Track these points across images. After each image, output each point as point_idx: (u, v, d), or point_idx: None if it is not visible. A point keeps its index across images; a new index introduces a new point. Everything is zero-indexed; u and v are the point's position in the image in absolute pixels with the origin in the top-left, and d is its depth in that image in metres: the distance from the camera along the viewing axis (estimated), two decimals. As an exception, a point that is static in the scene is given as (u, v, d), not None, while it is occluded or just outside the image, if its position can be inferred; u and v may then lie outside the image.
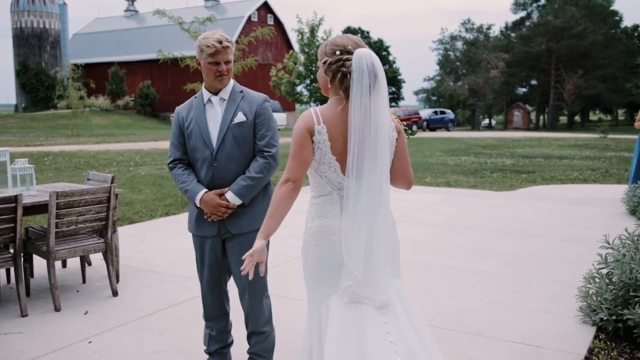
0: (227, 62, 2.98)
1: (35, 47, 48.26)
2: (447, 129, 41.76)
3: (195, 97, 3.15)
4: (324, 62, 2.36)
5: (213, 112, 3.05)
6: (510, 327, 4.04)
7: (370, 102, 2.24)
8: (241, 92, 3.10)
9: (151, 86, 46.62)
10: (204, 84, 3.11)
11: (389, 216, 2.44)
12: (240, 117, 2.99)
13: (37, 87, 47.71)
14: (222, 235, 3.06)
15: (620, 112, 68.00)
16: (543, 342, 3.80)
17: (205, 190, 2.97)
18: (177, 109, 3.15)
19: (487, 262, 5.71)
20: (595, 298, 4.15)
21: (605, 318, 3.91)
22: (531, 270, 5.43)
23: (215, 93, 3.05)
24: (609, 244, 4.42)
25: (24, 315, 4.32)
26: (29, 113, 43.69)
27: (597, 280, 4.32)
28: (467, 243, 6.52)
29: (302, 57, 27.86)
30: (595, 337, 3.88)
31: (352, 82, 2.23)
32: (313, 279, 2.47)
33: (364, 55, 2.24)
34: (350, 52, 2.29)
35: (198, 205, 2.97)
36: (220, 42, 2.93)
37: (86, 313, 4.41)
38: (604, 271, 4.37)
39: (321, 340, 2.39)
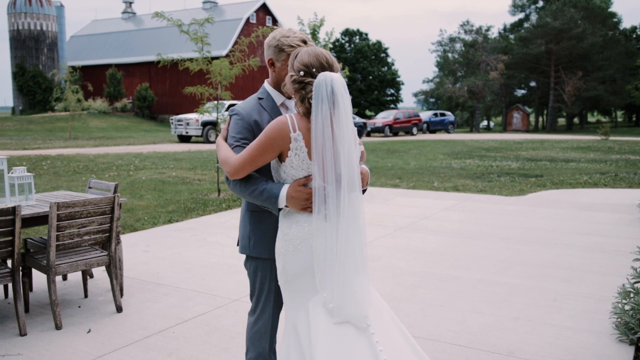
0: None
1: (32, 49, 47.95)
2: (448, 131, 41.55)
3: (260, 97, 2.73)
4: (291, 76, 2.40)
5: None
6: (543, 347, 3.78)
7: (332, 128, 2.29)
8: None
9: (149, 88, 46.33)
10: (268, 83, 2.75)
11: (361, 227, 2.44)
12: None
13: (34, 89, 47.40)
14: None
15: (619, 113, 67.96)
16: (580, 364, 3.54)
17: (287, 184, 2.49)
18: (242, 109, 2.67)
19: (508, 274, 5.45)
20: (632, 315, 3.90)
21: (645, 338, 3.66)
22: (556, 282, 5.17)
23: (288, 97, 2.74)
24: (643, 256, 4.18)
25: (22, 334, 4.05)
26: (26, 116, 43.37)
27: (632, 295, 4.07)
28: (484, 253, 6.26)
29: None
30: (635, 357, 3.63)
31: (312, 109, 2.30)
32: (292, 285, 2.46)
33: (323, 82, 2.28)
34: (313, 75, 2.32)
35: (285, 202, 2.45)
36: (305, 43, 2.63)
37: (89, 331, 4.14)
38: (639, 286, 4.13)
39: (301, 349, 2.35)
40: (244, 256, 2.87)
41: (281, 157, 2.43)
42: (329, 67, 2.36)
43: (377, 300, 2.46)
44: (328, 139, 2.29)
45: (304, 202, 2.44)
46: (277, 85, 2.71)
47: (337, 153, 2.30)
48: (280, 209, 2.52)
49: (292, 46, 2.60)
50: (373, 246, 6.56)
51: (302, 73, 2.35)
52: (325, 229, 2.33)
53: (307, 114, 2.37)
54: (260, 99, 2.72)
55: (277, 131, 2.37)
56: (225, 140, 2.66)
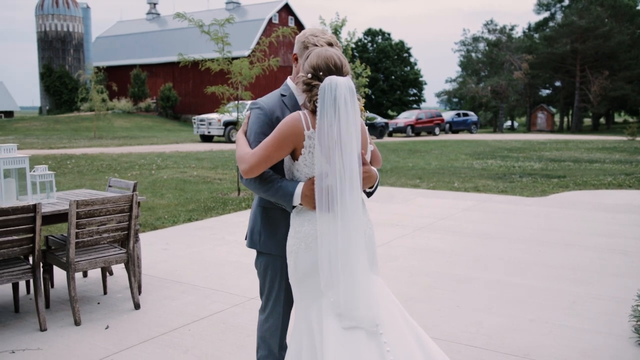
0: None
1: (59, 50, 48.84)
2: (470, 132, 41.21)
3: (283, 94, 2.69)
4: (301, 76, 2.44)
5: None
6: (559, 350, 3.74)
7: (337, 131, 2.31)
8: None
9: (173, 88, 46.80)
10: (290, 80, 2.73)
11: (367, 224, 2.51)
12: None
13: (60, 89, 48.26)
14: None
15: (647, 113, 66.60)
16: (597, 367, 3.50)
17: (302, 182, 2.50)
18: (265, 104, 2.63)
19: (527, 276, 5.40)
20: (651, 318, 3.83)
21: (665, 341, 3.60)
22: (575, 284, 5.11)
23: None
24: (664, 259, 4.10)
25: (42, 329, 4.13)
26: (53, 115, 44.16)
27: (652, 298, 4.00)
28: (502, 254, 6.21)
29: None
30: (654, 362, 3.57)
31: (317, 111, 2.34)
32: (303, 283, 2.48)
33: (328, 87, 2.31)
34: (319, 79, 2.36)
35: (299, 200, 2.46)
36: (331, 45, 2.62)
37: (107, 328, 4.20)
38: (659, 288, 4.06)
39: (312, 343, 2.37)
40: None
41: (294, 155, 2.44)
42: (337, 71, 2.38)
43: (388, 299, 2.46)
44: (332, 141, 2.31)
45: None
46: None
47: (341, 154, 2.32)
48: (294, 207, 2.53)
49: (316, 46, 2.58)
50: (391, 246, 6.55)
51: (309, 75, 2.38)
52: (331, 228, 2.34)
53: (316, 114, 2.39)
54: (283, 95, 2.69)
55: (290, 127, 2.39)
56: (245, 134, 2.66)
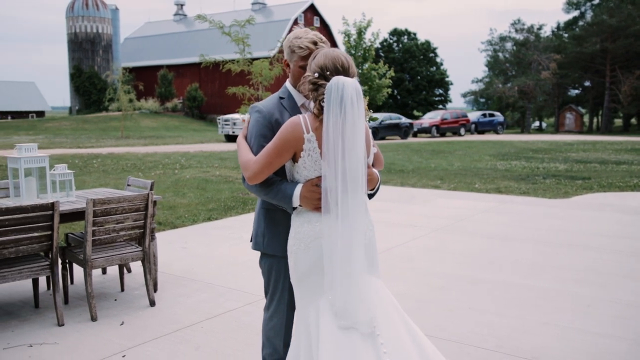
0: None
1: (88, 51, 49.80)
2: (497, 132, 40.76)
3: (282, 97, 2.73)
4: (306, 76, 2.45)
5: None
6: (570, 354, 3.70)
7: (342, 131, 2.31)
8: None
9: (199, 89, 47.30)
10: (288, 83, 2.76)
11: (369, 225, 2.53)
12: None
13: (90, 90, 49.19)
14: None
15: (680, 114, 64.97)
16: (607, 371, 3.46)
17: (301, 183, 2.53)
18: (263, 107, 2.67)
19: (542, 278, 5.35)
20: (665, 323, 3.78)
21: (678, 346, 3.54)
22: (591, 288, 5.04)
23: (307, 97, 2.67)
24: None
25: (60, 324, 4.24)
26: (82, 115, 45.03)
27: (667, 302, 3.94)
28: (519, 256, 6.16)
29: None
30: (667, 367, 3.52)
31: (324, 111, 2.34)
32: (302, 283, 2.51)
33: (335, 86, 2.31)
34: (326, 78, 2.37)
35: (298, 201, 2.50)
36: (315, 44, 2.63)
37: (122, 324, 4.30)
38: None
39: (309, 343, 2.40)
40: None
41: (294, 158, 2.47)
42: (344, 72, 2.39)
43: (386, 300, 2.48)
44: (338, 142, 2.32)
45: (316, 202, 2.47)
46: (296, 86, 2.72)
47: (345, 155, 2.32)
48: (294, 208, 2.57)
49: (301, 47, 2.63)
50: (407, 247, 6.55)
51: (316, 75, 2.39)
52: (333, 229, 2.35)
53: (320, 114, 2.39)
54: (281, 98, 2.73)
55: (290, 132, 2.41)
56: (246, 138, 2.71)
